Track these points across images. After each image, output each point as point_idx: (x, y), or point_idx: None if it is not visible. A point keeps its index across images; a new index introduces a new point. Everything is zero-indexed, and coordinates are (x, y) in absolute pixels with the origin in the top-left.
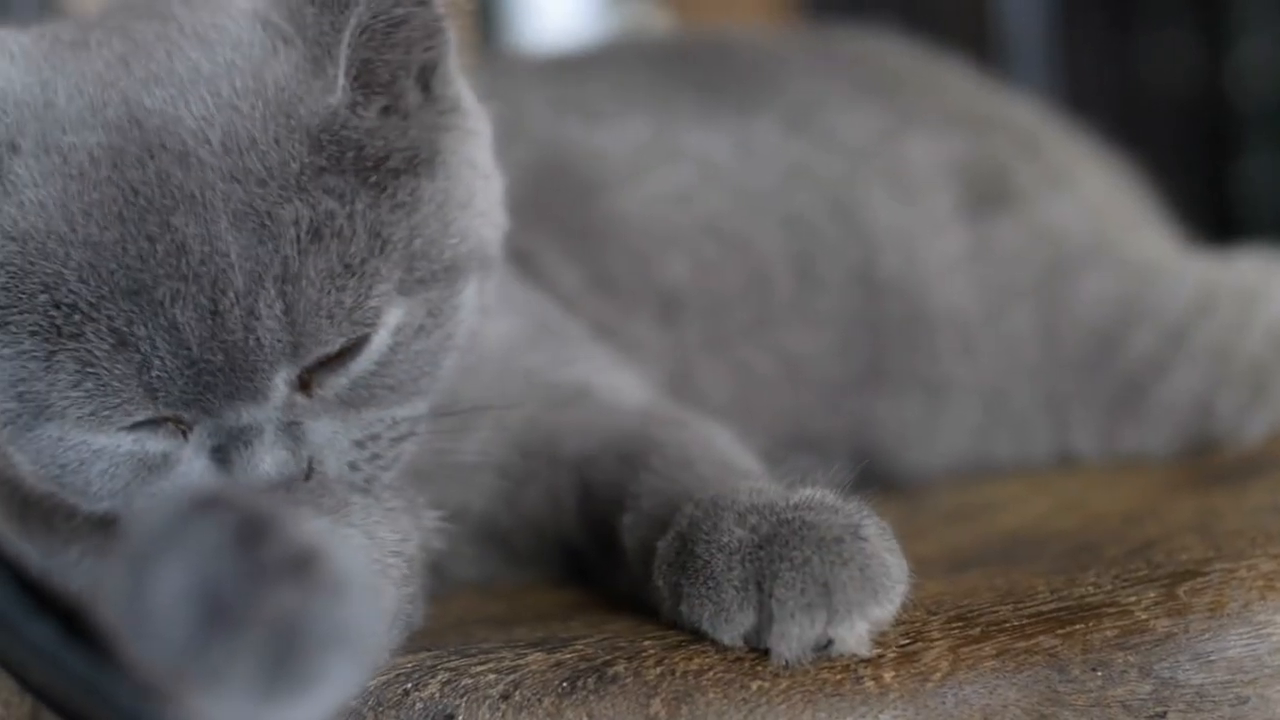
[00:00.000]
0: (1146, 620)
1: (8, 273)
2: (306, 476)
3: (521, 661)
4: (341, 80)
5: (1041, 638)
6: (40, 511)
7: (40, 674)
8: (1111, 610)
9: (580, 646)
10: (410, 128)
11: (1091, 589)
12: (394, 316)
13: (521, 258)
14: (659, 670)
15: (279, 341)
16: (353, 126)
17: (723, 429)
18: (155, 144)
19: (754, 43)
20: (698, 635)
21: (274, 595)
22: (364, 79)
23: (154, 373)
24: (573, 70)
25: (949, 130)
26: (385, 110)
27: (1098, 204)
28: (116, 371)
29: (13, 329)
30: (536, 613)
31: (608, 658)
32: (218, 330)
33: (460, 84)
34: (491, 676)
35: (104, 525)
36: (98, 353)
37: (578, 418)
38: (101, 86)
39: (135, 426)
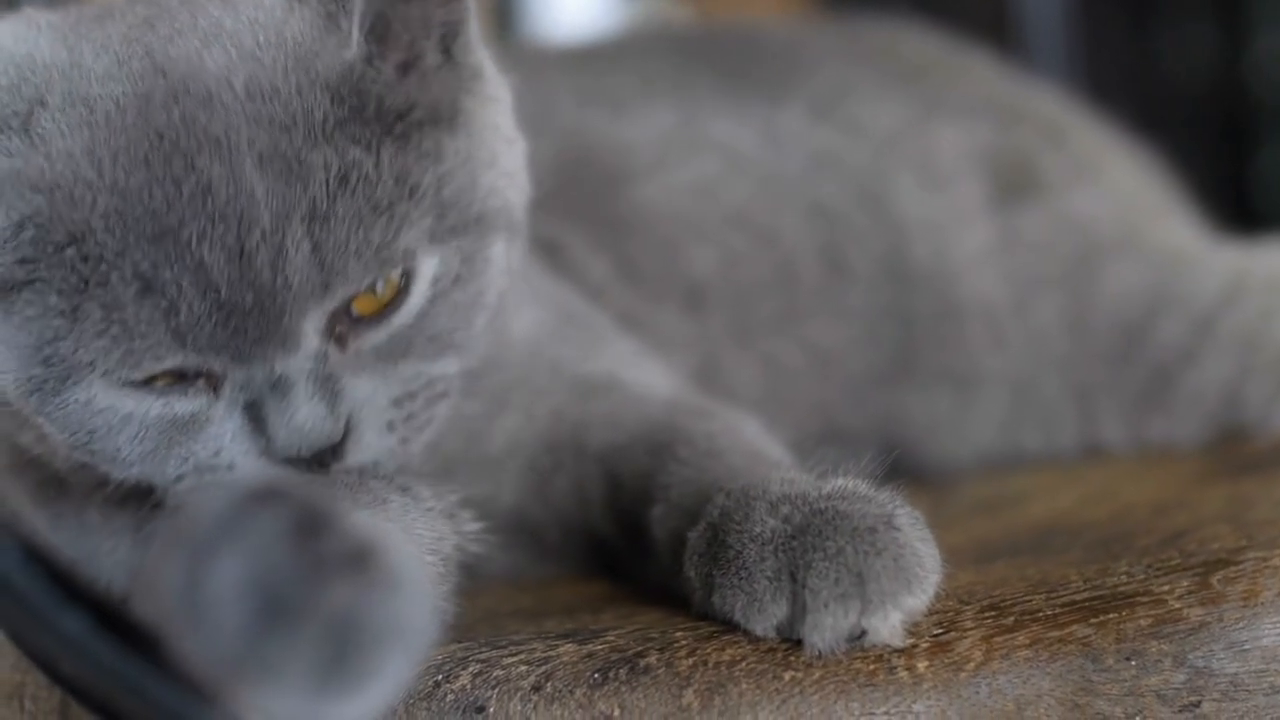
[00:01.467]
0: (1180, 609)
1: (35, 225)
2: (343, 439)
3: (553, 653)
4: (356, 34)
5: (1075, 627)
6: (70, 497)
7: (70, 666)
8: (1145, 599)
9: (611, 638)
10: (431, 85)
11: (1124, 578)
12: (430, 266)
13: (548, 249)
14: (691, 661)
15: (307, 281)
16: (371, 80)
17: (750, 419)
18: (180, 90)
19: (778, 33)
20: (730, 626)
21: (332, 590)
22: (379, 33)
23: (181, 317)
24: (597, 61)
25: (976, 120)
26: (403, 67)
27: (1125, 194)
28: (143, 316)
29: (38, 286)
30: (566, 605)
31: (640, 649)
32: (245, 269)
33: (481, 52)
34: (523, 668)
35: (138, 508)
36: (123, 299)
37: (605, 409)
38: (127, 44)
39: (165, 388)
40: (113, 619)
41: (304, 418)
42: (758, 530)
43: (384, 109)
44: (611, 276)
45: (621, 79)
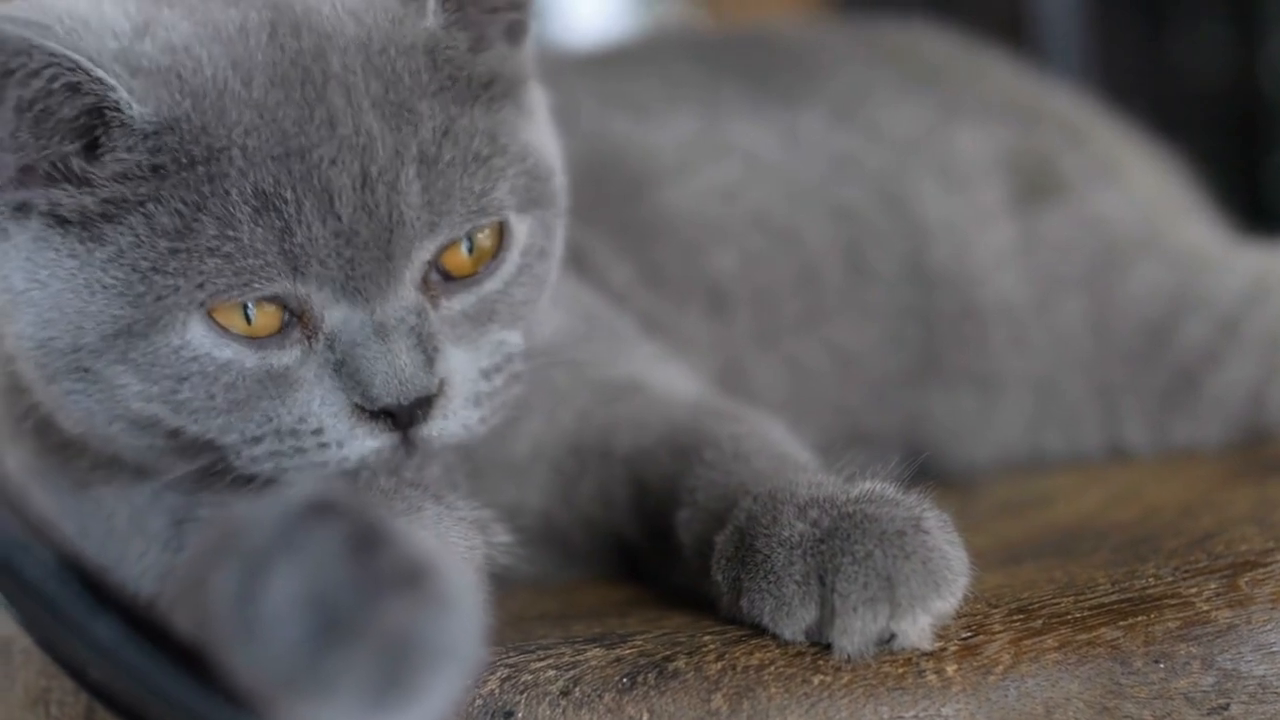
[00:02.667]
0: (1208, 612)
1: (182, 131)
2: (432, 402)
3: (581, 657)
4: (431, 4)
5: (1103, 630)
6: (92, 493)
7: (100, 672)
8: (1173, 602)
9: (639, 642)
10: (503, 68)
11: (1152, 581)
12: (523, 233)
13: (572, 253)
14: (720, 665)
15: (418, 218)
16: (452, 48)
17: (775, 421)
18: (303, 23)
19: (799, 36)
20: (757, 630)
21: (388, 608)
22: (451, 6)
23: (297, 238)
24: (619, 66)
25: (996, 121)
26: (475, 45)
27: (1146, 194)
28: (258, 235)
29: (148, 207)
30: (592, 608)
31: (668, 653)
32: (366, 198)
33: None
34: (551, 673)
35: (174, 514)
36: (239, 216)
37: (630, 412)
38: (252, 8)
39: (263, 340)
40: (143, 624)
41: (404, 363)
42: (786, 534)
43: (470, 76)
44: (635, 280)
45: (643, 84)
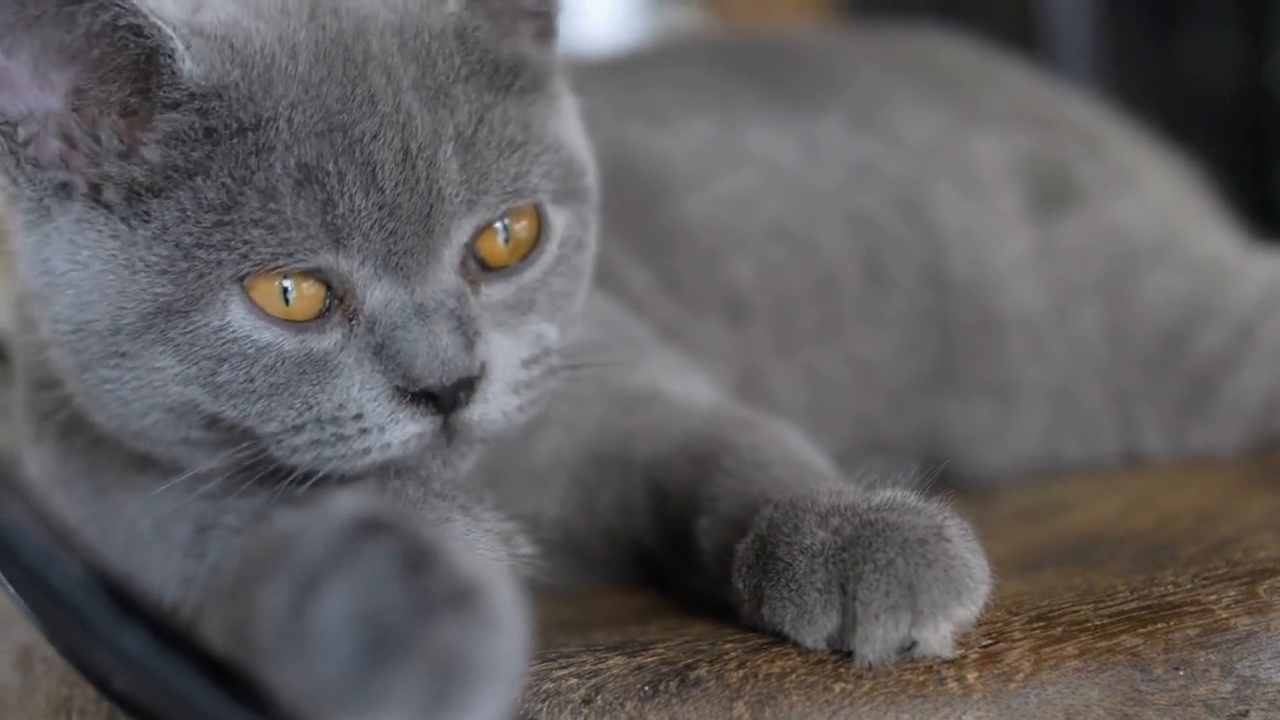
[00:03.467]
0: (1227, 619)
1: (231, 99)
2: (474, 384)
3: (602, 665)
4: None
5: (1123, 637)
6: (114, 498)
7: (124, 682)
8: (1192, 609)
9: (660, 650)
10: (532, 61)
11: (1171, 588)
12: (560, 224)
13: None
14: (741, 673)
15: (457, 195)
16: (481, 33)
17: (793, 429)
18: (341, 7)
19: (815, 43)
20: (779, 638)
21: (438, 628)
22: None
23: (339, 209)
24: (635, 73)
25: (1013, 129)
26: (501, 28)
27: (1162, 202)
28: (300, 208)
29: (196, 181)
30: (612, 616)
31: (689, 661)
32: (406, 174)
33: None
34: (573, 681)
35: (197, 521)
36: (283, 189)
37: (648, 421)
38: None
39: (303, 325)
40: (169, 634)
41: (446, 344)
42: (807, 542)
43: (500, 64)
44: (653, 288)
45: (660, 91)
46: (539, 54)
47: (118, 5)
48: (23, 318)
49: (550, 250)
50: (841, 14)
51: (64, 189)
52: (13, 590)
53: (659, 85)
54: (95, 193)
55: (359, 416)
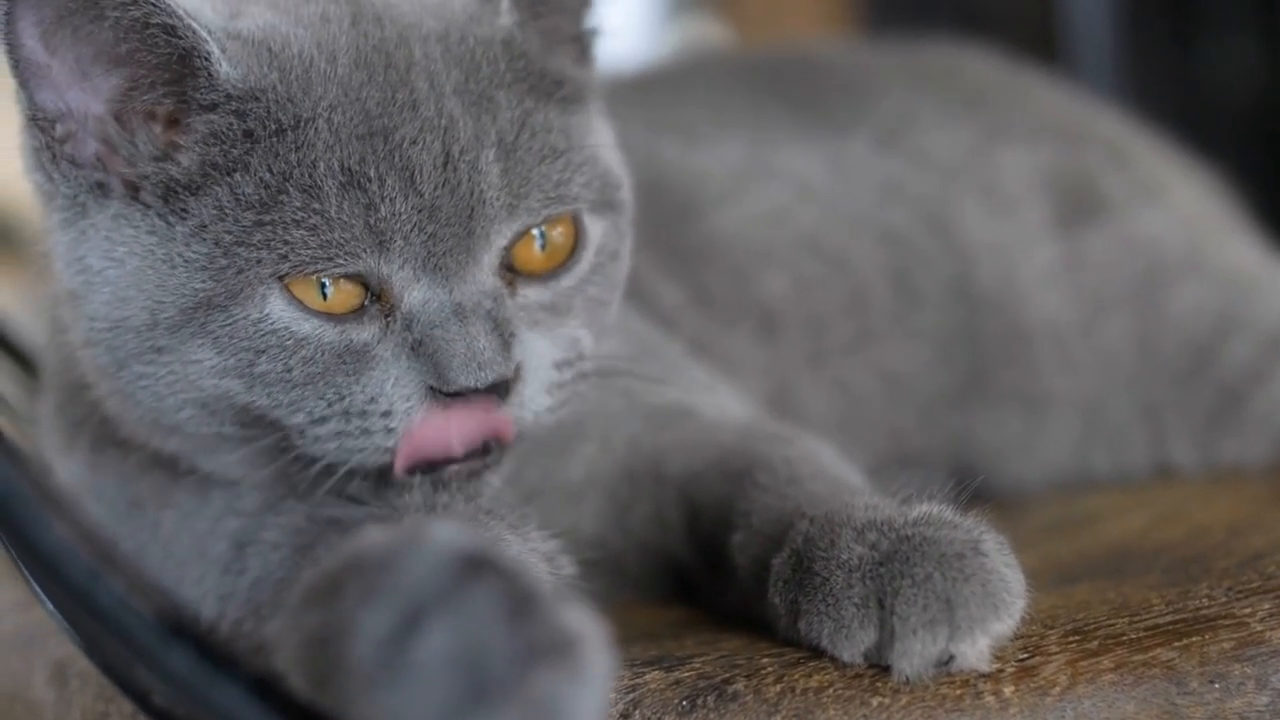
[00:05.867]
0: (1262, 632)
1: (270, 100)
2: (508, 387)
3: (640, 680)
4: (505, 3)
5: (1159, 650)
6: (147, 512)
7: (165, 699)
8: (1227, 622)
9: (698, 664)
10: (575, 72)
11: (1206, 601)
12: (597, 233)
13: None
14: (779, 688)
15: (498, 199)
16: (528, 45)
17: (825, 444)
18: (384, 15)
19: (843, 60)
20: (815, 652)
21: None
22: (523, 6)
23: (381, 212)
24: (665, 90)
25: (1039, 143)
26: (546, 44)
27: (1189, 214)
28: (344, 210)
29: (236, 178)
30: (647, 630)
31: (726, 675)
32: (448, 177)
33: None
34: (611, 696)
35: (235, 538)
36: (326, 190)
37: (681, 437)
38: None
39: (341, 317)
40: (213, 652)
41: (482, 346)
42: (844, 557)
43: (545, 73)
44: (684, 304)
45: (692, 110)
46: (580, 74)
47: (150, 3)
48: (55, 321)
49: (587, 258)
50: (859, 24)
51: (100, 187)
52: (51, 607)
53: (690, 104)
54: (132, 191)
55: (388, 414)
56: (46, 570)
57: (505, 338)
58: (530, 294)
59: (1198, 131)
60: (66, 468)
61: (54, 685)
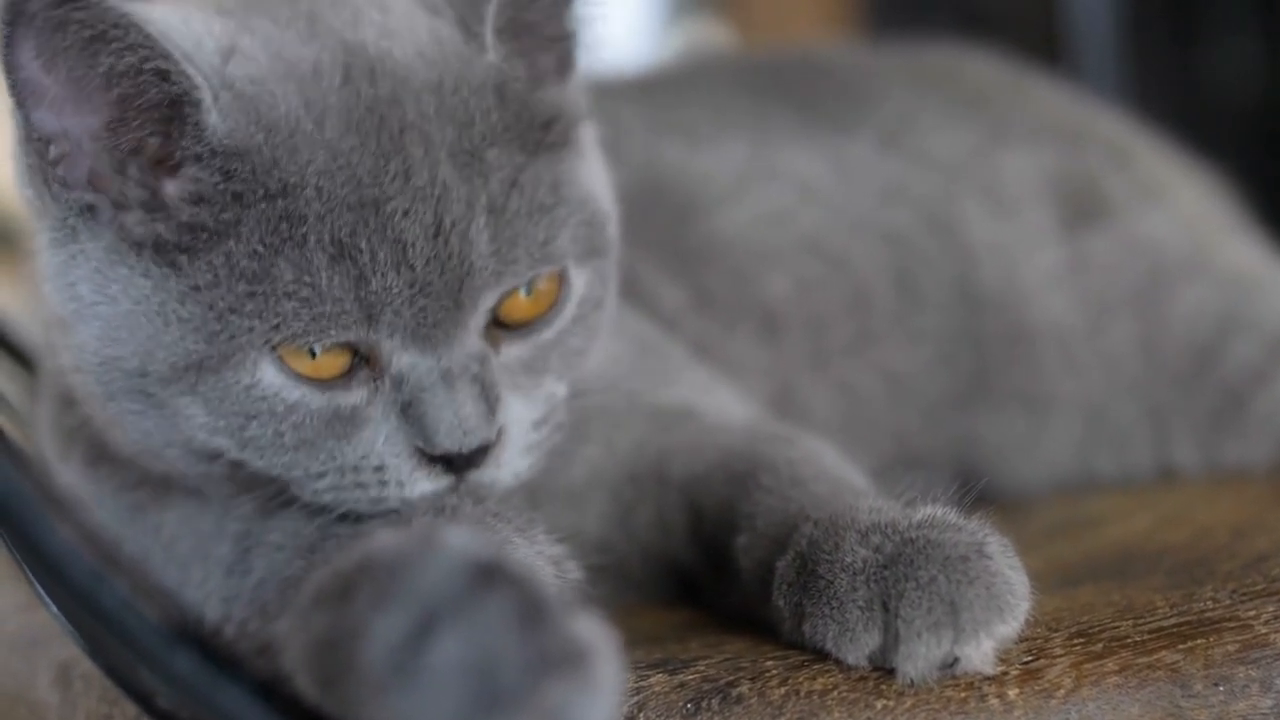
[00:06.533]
0: (1267, 634)
1: (254, 161)
2: (489, 449)
3: (644, 683)
4: (490, 38)
5: (1163, 653)
6: (150, 516)
7: (169, 700)
8: (1232, 625)
9: (702, 667)
10: (559, 104)
11: (1210, 604)
12: (581, 284)
13: (624, 280)
14: (783, 690)
15: (486, 267)
16: (515, 83)
17: (828, 445)
18: (379, 68)
19: (845, 61)
20: (819, 655)
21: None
22: (508, 37)
23: (372, 286)
24: (666, 92)
25: (1041, 145)
26: (532, 77)
27: (1192, 215)
28: (335, 283)
29: (228, 245)
30: (650, 633)
31: (731, 678)
32: (440, 249)
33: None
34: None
35: (239, 540)
36: (317, 263)
37: (684, 439)
38: (304, 21)
39: (329, 382)
40: (217, 654)
41: (469, 412)
42: (849, 560)
43: (534, 116)
44: (686, 306)
45: (693, 110)
46: (564, 99)
47: (147, 47)
48: (49, 340)
49: (569, 310)
50: (862, 26)
51: (90, 210)
52: (55, 609)
53: (692, 105)
54: (121, 230)
55: (380, 469)
56: (50, 572)
57: (490, 401)
58: (512, 350)
59: (1199, 132)
60: (66, 473)
61: (58, 687)
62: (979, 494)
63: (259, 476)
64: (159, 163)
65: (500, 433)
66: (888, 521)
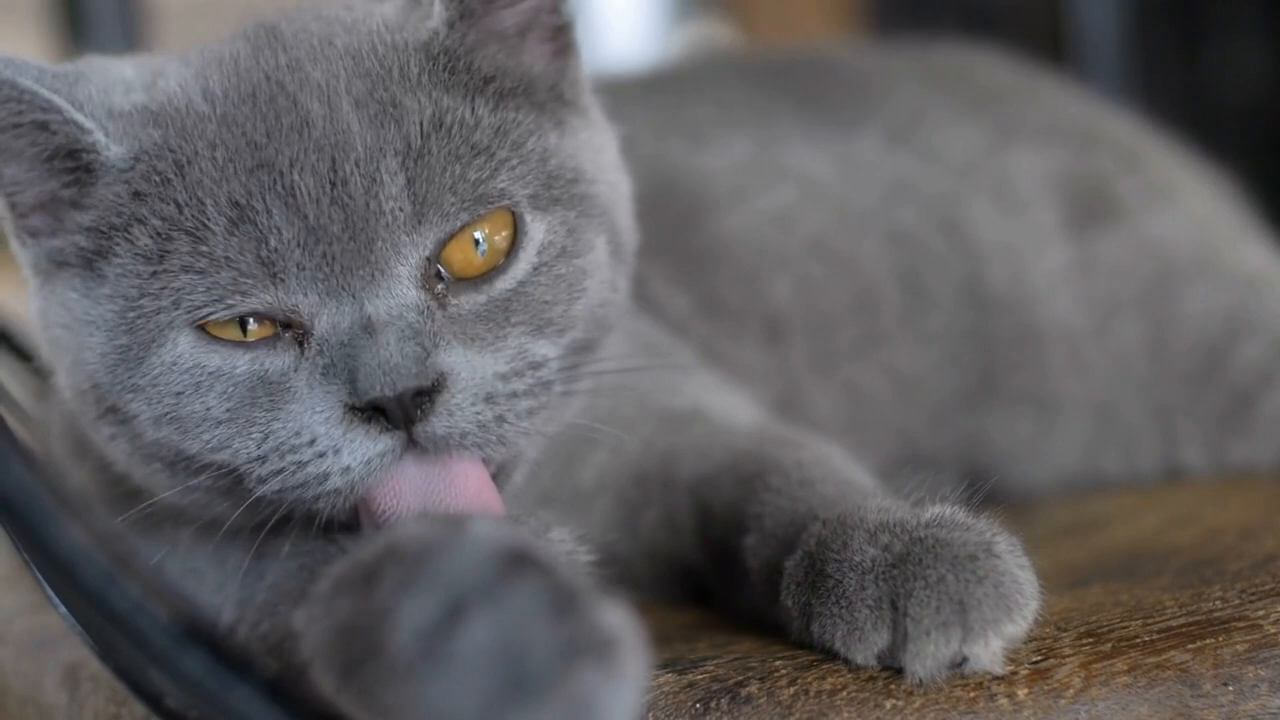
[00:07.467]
0: (1276, 634)
1: (150, 156)
2: (433, 392)
3: (654, 683)
4: (437, 6)
5: (1173, 653)
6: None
7: (179, 702)
8: (1240, 625)
9: (711, 667)
10: (524, 65)
11: (1219, 604)
12: (539, 232)
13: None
14: (792, 690)
15: (400, 210)
16: (456, 41)
17: (835, 446)
18: (290, 43)
19: (851, 60)
20: (828, 654)
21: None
22: (454, 5)
23: (271, 244)
24: (673, 91)
25: (1050, 145)
26: (488, 36)
27: (1200, 216)
28: (233, 246)
29: (133, 231)
30: (659, 634)
31: (740, 678)
32: (336, 194)
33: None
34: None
35: (256, 547)
36: (214, 229)
37: (692, 441)
38: (242, 41)
39: (252, 344)
40: (229, 656)
41: (390, 353)
42: (857, 559)
43: (473, 68)
44: (692, 309)
45: (699, 110)
46: (550, 68)
47: (24, 99)
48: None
49: (527, 258)
50: (867, 26)
51: (57, 252)
52: (64, 610)
53: (697, 104)
54: (58, 256)
55: (313, 441)
56: (61, 574)
57: (425, 347)
58: (464, 302)
59: (1206, 134)
60: (78, 476)
61: (66, 688)
62: (987, 494)
63: (217, 472)
64: (73, 200)
65: (443, 378)
66: (896, 521)
